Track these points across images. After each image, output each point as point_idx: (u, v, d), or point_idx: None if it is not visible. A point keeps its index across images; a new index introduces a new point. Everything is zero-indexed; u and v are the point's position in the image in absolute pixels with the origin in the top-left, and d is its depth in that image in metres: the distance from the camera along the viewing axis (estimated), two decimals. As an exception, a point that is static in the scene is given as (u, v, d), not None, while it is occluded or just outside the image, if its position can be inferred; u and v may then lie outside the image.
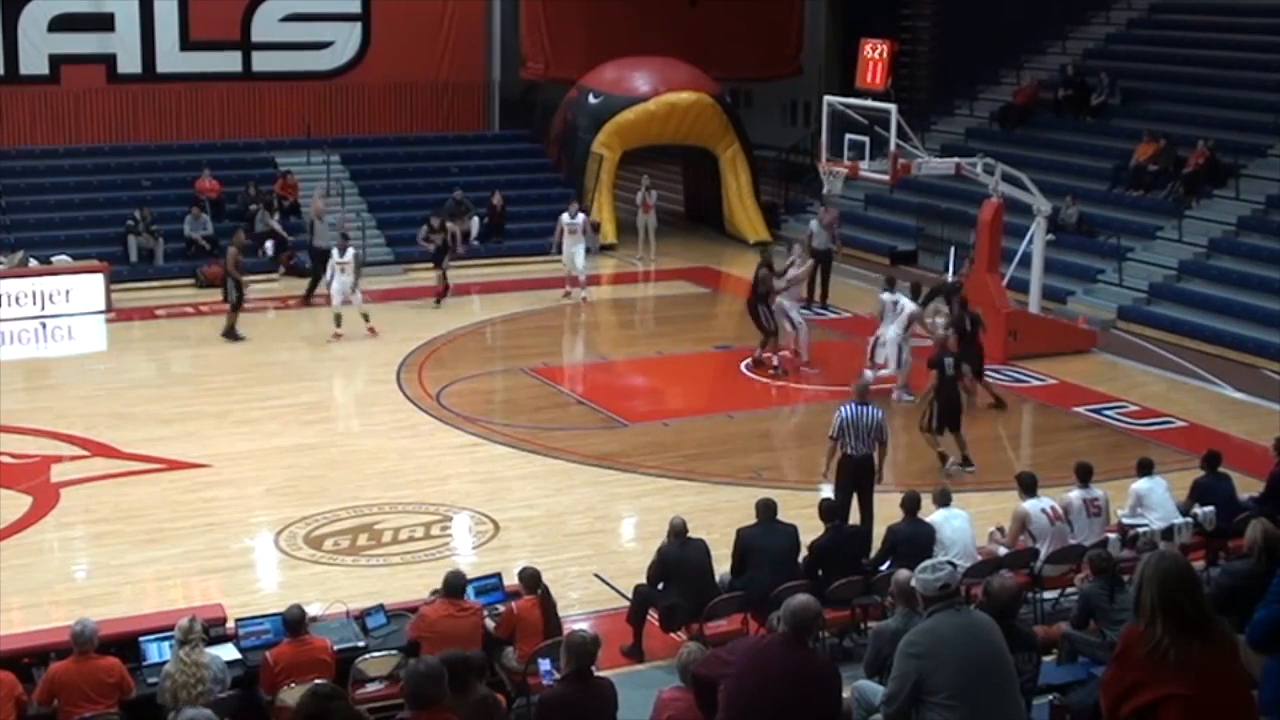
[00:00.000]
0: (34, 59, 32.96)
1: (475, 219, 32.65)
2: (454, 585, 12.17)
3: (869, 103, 25.98)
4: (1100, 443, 20.12)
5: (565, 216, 28.92)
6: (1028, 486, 14.68)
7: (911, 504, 14.11)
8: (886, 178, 26.15)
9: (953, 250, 28.16)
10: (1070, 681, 10.40)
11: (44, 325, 26.94)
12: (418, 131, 35.73)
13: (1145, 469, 15.53)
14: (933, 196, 32.39)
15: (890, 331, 22.24)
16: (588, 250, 29.36)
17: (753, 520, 13.85)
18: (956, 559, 12.66)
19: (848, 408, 16.03)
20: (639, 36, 36.50)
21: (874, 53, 27.39)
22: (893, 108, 25.08)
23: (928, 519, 14.15)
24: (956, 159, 26.38)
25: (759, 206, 35.59)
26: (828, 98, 26.65)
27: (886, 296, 22.68)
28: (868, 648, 11.06)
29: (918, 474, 18.50)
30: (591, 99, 34.49)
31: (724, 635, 12.70)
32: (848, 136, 25.65)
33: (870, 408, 16.06)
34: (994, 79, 36.92)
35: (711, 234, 35.71)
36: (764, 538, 13.59)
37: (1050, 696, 9.76)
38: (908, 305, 22.35)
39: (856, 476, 15.98)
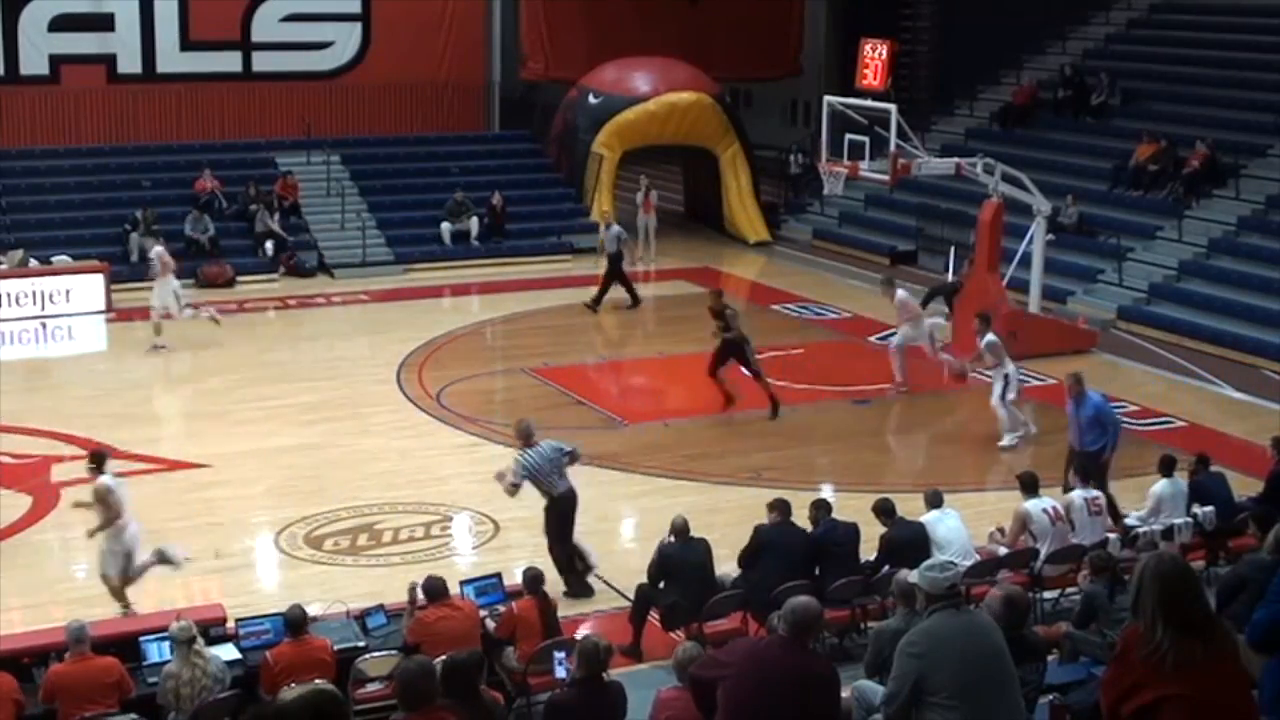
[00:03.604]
0: (34, 59, 32.99)
1: (475, 219, 32.66)
2: (435, 590, 12.12)
3: (869, 103, 25.99)
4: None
5: (158, 248, 26.14)
6: (1029, 486, 14.68)
7: (886, 508, 14.15)
8: (886, 178, 26.15)
9: (953, 250, 28.19)
10: (1071, 681, 10.41)
11: (44, 325, 26.94)
12: (418, 132, 35.73)
13: (1167, 468, 15.42)
14: (933, 197, 32.38)
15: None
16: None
17: (751, 520, 13.87)
18: (955, 558, 12.66)
19: (525, 455, 15.02)
20: (639, 37, 36.52)
21: (874, 53, 27.43)
22: (893, 108, 25.08)
23: (920, 519, 14.17)
24: (956, 159, 26.38)
25: (759, 206, 35.59)
26: (828, 98, 26.64)
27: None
28: (868, 648, 11.07)
29: (914, 474, 18.52)
30: (591, 99, 34.49)
31: (724, 634, 12.72)
32: (848, 136, 25.64)
33: (543, 444, 15.18)
34: (994, 79, 36.92)
35: (711, 234, 35.69)
36: (782, 537, 13.62)
37: (1051, 696, 9.76)
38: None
39: (568, 514, 15.10)
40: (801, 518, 13.98)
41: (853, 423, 21.56)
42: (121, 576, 14.27)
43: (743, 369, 21.37)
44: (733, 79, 39.23)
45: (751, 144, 35.83)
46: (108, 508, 14.20)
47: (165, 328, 24.62)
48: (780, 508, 13.80)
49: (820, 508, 14.20)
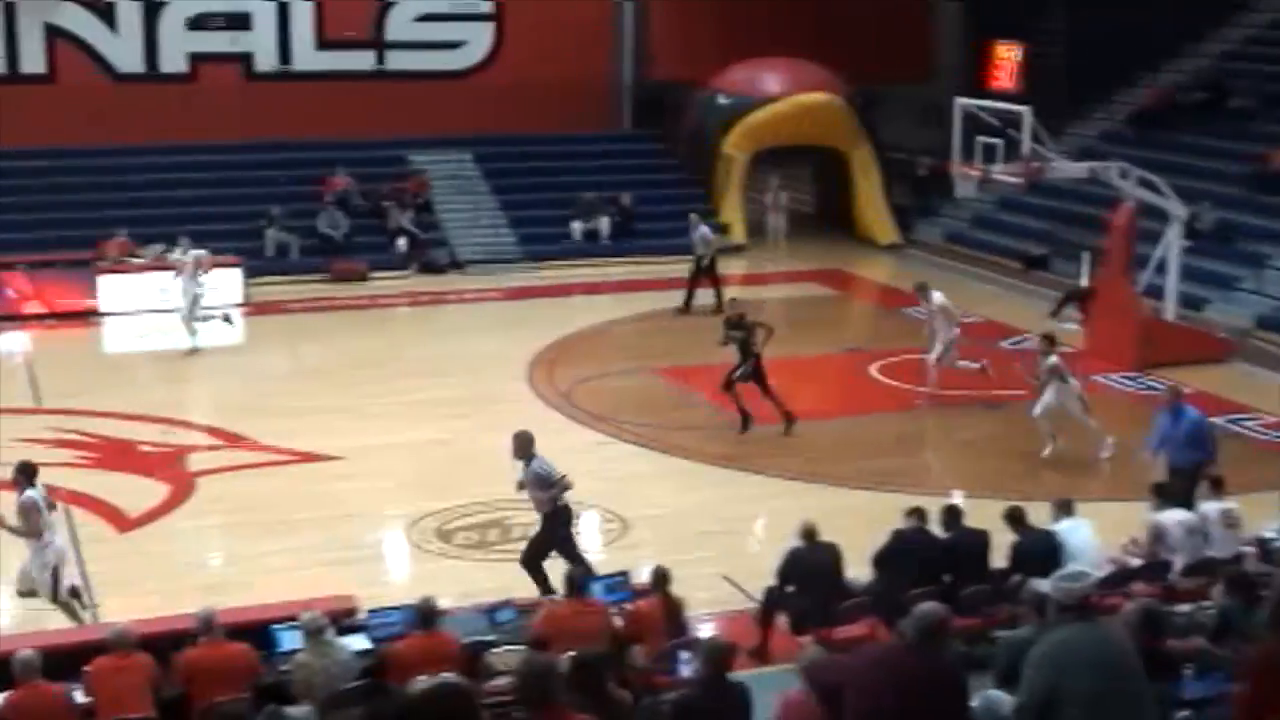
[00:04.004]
0: (173, 58, 33.68)
1: (605, 218, 32.81)
2: (576, 584, 12.24)
3: (1002, 105, 25.73)
4: (1236, 454, 19.68)
5: (179, 252, 26.36)
6: (1163, 497, 14.47)
7: (1017, 516, 14.01)
8: (1018, 181, 25.88)
9: (1086, 255, 27.79)
10: (1205, 697, 10.24)
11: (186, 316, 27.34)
12: (549, 131, 35.91)
13: None
14: (1066, 200, 31.92)
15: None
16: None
17: (879, 524, 13.84)
18: (1087, 569, 12.49)
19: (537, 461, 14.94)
20: (769, 37, 36.39)
21: (1007, 55, 27.16)
22: (1026, 110, 24.80)
23: (1051, 528, 14.01)
24: (1090, 162, 26.04)
25: (890, 209, 35.37)
26: (960, 100, 26.39)
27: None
28: (998, 657, 10.96)
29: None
30: (721, 99, 34.48)
31: (852, 639, 12.66)
32: (980, 139, 25.40)
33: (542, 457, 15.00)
34: (1129, 81, 36.36)
35: (841, 237, 35.52)
36: (916, 542, 13.65)
37: (1184, 712, 9.62)
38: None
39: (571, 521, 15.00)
40: (932, 524, 13.92)
41: (982, 428, 21.37)
42: (49, 591, 13.84)
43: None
44: (862, 81, 38.98)
45: (883, 146, 35.62)
46: (28, 524, 13.69)
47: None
48: (917, 514, 13.78)
49: (951, 514, 14.11)
